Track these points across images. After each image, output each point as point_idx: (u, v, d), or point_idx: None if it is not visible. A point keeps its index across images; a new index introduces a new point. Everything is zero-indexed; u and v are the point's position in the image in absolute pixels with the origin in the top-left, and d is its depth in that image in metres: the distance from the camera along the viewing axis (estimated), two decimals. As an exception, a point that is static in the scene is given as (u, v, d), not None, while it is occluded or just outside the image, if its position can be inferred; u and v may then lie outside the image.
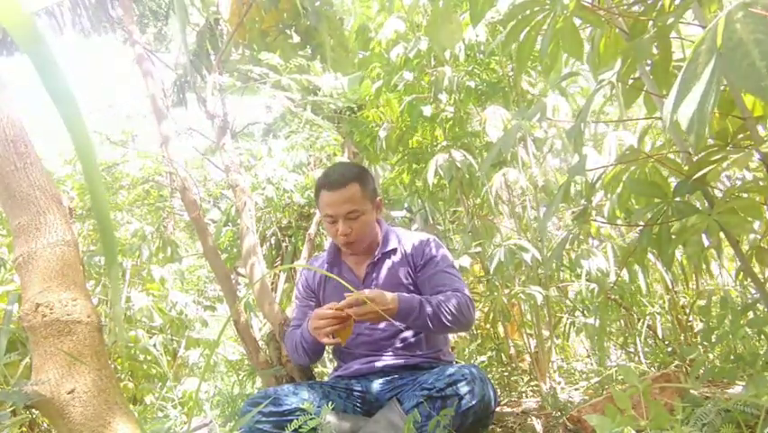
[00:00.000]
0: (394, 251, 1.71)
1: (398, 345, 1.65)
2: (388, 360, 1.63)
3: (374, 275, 1.69)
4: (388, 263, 1.70)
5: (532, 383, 2.37)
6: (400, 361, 1.62)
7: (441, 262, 1.66)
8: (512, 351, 2.62)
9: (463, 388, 1.36)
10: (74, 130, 0.29)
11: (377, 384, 1.60)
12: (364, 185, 1.62)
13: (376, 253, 1.70)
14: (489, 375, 2.46)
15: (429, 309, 1.47)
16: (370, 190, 1.65)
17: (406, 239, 1.74)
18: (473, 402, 1.34)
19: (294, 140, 3.37)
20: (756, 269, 1.46)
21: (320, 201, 1.64)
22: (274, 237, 3.90)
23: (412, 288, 1.67)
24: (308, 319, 1.55)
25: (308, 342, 1.58)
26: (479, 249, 2.45)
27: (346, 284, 1.19)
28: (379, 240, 1.73)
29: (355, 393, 1.59)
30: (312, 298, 1.77)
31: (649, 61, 1.37)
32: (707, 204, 1.30)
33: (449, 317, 1.49)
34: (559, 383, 2.31)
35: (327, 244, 1.84)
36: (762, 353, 1.61)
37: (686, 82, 0.85)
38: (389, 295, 1.43)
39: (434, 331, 1.55)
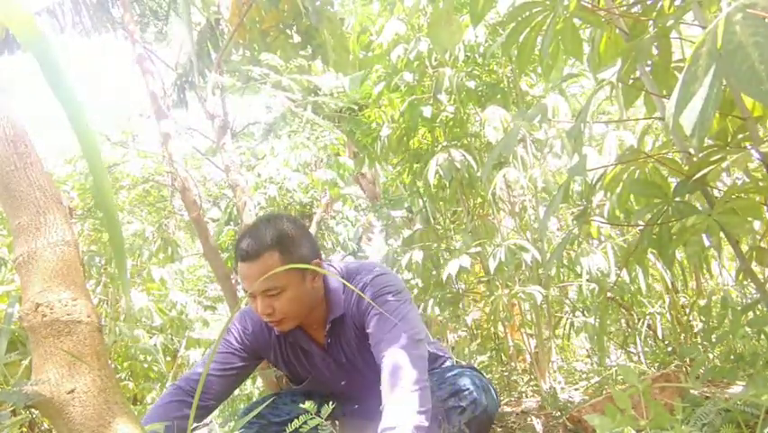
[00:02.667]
0: (342, 316, 1.41)
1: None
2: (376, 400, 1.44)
3: (336, 344, 1.44)
4: (344, 329, 1.43)
5: (532, 383, 2.37)
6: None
7: (373, 309, 1.33)
8: (512, 351, 2.62)
9: (466, 399, 1.33)
10: (79, 128, 0.29)
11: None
12: (286, 252, 1.30)
13: (326, 322, 1.42)
14: (489, 375, 2.47)
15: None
16: (297, 258, 1.31)
17: (352, 300, 1.41)
18: (477, 413, 1.32)
19: (297, 139, 3.37)
20: (756, 269, 1.46)
21: (239, 271, 1.34)
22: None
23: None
24: None
25: None
26: (479, 249, 2.45)
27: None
28: (325, 305, 1.42)
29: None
30: (247, 358, 1.45)
31: (649, 61, 1.37)
32: (707, 204, 1.30)
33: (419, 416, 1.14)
34: (559, 383, 2.31)
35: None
36: (762, 353, 1.61)
37: (687, 85, 0.85)
38: None
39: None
